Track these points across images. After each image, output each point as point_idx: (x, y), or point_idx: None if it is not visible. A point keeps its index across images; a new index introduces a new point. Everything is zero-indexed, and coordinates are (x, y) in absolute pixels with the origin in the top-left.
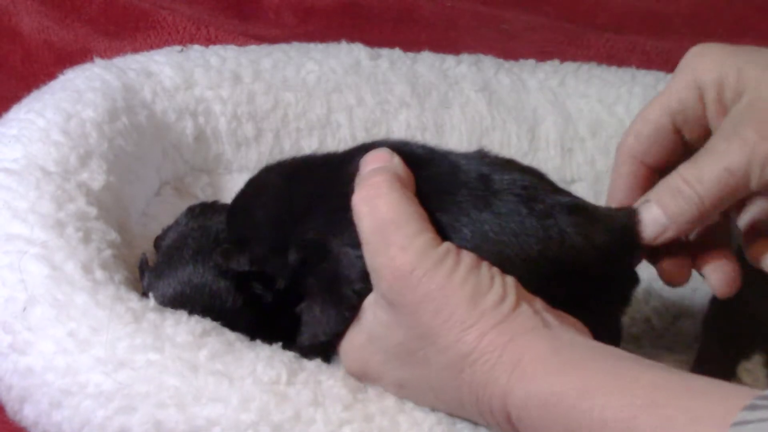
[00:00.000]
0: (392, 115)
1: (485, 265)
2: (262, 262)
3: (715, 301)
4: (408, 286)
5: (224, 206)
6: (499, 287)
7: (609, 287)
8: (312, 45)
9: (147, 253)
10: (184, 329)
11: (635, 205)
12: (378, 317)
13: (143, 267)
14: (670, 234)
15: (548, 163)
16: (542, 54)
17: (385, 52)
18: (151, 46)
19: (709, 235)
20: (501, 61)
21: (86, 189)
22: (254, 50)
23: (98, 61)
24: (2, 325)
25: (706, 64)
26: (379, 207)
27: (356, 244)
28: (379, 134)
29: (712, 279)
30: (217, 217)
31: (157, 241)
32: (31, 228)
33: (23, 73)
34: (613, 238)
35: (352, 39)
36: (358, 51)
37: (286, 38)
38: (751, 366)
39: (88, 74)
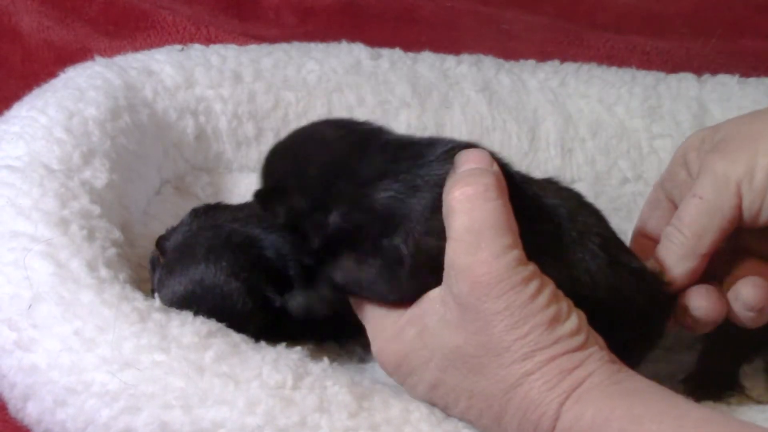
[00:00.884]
0: (393, 114)
1: (563, 296)
2: (301, 217)
3: None
4: (490, 295)
5: (228, 206)
6: (576, 319)
7: (646, 337)
8: (312, 45)
9: (149, 253)
10: (190, 330)
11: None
12: (439, 313)
13: (155, 263)
14: (679, 282)
15: (548, 163)
16: (542, 54)
17: (385, 52)
18: (151, 46)
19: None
20: (501, 61)
21: (89, 187)
22: (255, 50)
23: (99, 59)
24: (7, 322)
25: (692, 141)
26: (481, 209)
27: (433, 231)
28: None
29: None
30: (225, 216)
31: (160, 241)
32: (35, 225)
33: (23, 72)
34: (656, 298)
35: (352, 39)
36: (359, 51)
37: (287, 38)
38: (750, 371)
39: (89, 72)
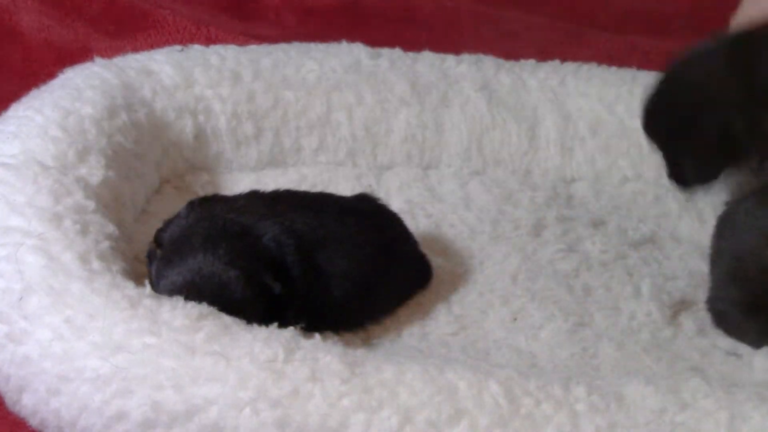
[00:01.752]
0: (392, 113)
1: None
2: None
3: None
4: None
5: (224, 197)
6: None
7: None
8: (312, 45)
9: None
10: (181, 313)
11: None
12: None
13: (152, 256)
14: None
15: (548, 162)
16: (542, 54)
17: (385, 51)
18: (151, 46)
19: None
20: (501, 60)
21: (84, 183)
22: (254, 50)
23: (98, 60)
24: None
25: None
26: None
27: None
28: (379, 133)
29: None
30: (221, 207)
31: (158, 234)
32: (28, 221)
33: (23, 72)
34: None
35: (352, 39)
36: (359, 51)
37: (286, 38)
38: None
39: (87, 73)
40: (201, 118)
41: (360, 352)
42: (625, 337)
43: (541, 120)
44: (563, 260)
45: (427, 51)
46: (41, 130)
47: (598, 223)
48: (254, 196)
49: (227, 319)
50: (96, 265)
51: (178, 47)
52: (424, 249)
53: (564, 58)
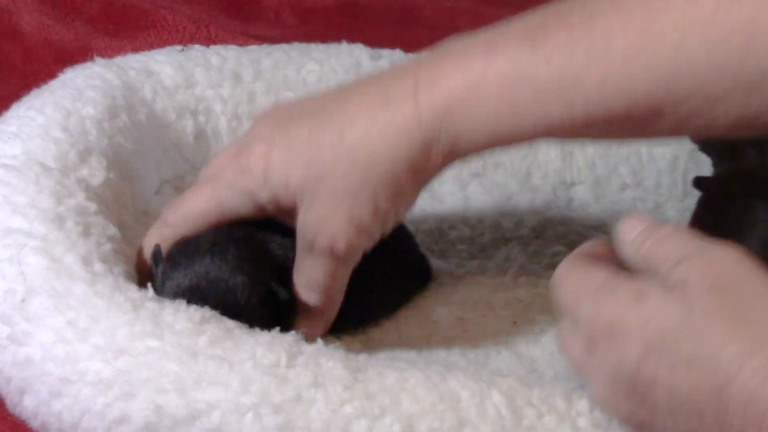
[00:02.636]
0: None
1: None
2: None
3: None
4: None
5: None
6: None
7: None
8: (313, 45)
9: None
10: (184, 317)
11: None
12: None
13: (157, 257)
14: None
15: (548, 165)
16: None
17: (385, 52)
18: (151, 46)
19: None
20: None
21: (86, 185)
22: (255, 50)
23: (99, 60)
24: (1, 318)
25: None
26: None
27: None
28: None
29: None
30: None
31: None
32: (30, 222)
33: (24, 71)
34: None
35: (352, 39)
36: (359, 51)
37: (287, 38)
38: None
39: (88, 73)
40: (201, 118)
41: (362, 358)
42: None
43: None
44: None
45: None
46: (42, 130)
47: (598, 226)
48: None
49: (230, 322)
50: (98, 267)
51: (178, 47)
52: (424, 251)
53: None
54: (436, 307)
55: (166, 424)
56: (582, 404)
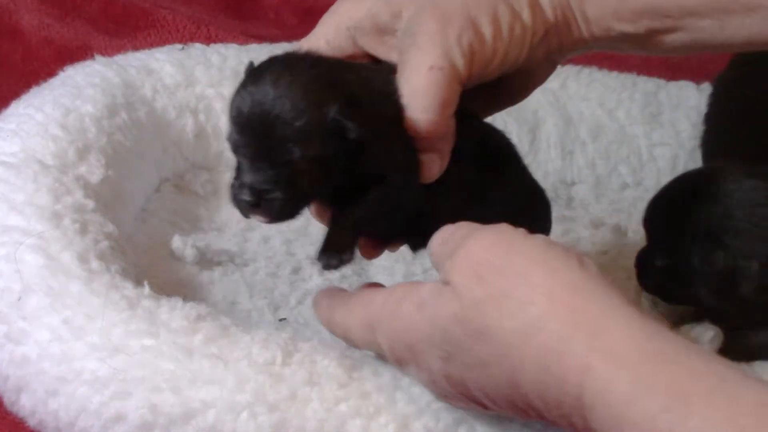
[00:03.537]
0: None
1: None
2: None
3: None
4: None
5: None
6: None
7: None
8: None
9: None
10: (179, 315)
11: None
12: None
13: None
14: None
15: (549, 164)
16: None
17: None
18: (151, 45)
19: None
20: None
21: (84, 182)
22: (255, 49)
23: (99, 58)
24: None
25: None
26: None
27: None
28: None
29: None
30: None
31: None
32: (28, 220)
33: (24, 70)
34: None
35: None
36: None
37: (286, 38)
38: None
39: (88, 71)
40: (202, 117)
41: (357, 355)
42: None
43: (542, 122)
44: None
45: None
46: (41, 128)
47: (597, 224)
48: None
49: (225, 320)
50: (95, 264)
51: (179, 46)
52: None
53: (564, 61)
54: None
55: (161, 423)
56: None
